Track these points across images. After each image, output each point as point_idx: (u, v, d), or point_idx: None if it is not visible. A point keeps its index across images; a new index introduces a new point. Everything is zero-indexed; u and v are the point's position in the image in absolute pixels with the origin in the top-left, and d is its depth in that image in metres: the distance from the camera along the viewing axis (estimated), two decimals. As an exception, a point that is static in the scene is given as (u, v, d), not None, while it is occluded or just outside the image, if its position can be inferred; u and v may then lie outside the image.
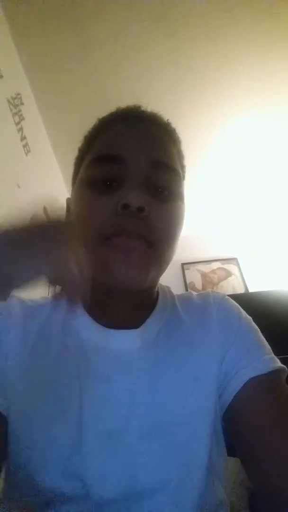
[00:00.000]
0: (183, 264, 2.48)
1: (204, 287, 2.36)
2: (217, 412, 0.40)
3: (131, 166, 0.38)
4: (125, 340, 0.41)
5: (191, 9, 1.33)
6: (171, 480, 0.35)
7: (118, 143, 0.40)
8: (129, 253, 0.36)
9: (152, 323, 0.44)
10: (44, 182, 1.63)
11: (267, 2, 1.32)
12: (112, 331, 0.42)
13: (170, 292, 0.52)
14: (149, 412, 0.37)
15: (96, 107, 1.84)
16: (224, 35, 1.43)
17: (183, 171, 0.45)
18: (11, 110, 1.34)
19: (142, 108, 0.44)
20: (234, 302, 0.50)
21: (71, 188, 0.47)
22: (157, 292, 0.49)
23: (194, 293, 0.52)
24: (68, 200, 0.47)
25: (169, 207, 0.40)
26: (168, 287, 0.53)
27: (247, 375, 0.38)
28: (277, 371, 0.39)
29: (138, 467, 0.35)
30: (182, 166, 0.45)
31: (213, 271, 2.43)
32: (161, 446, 0.36)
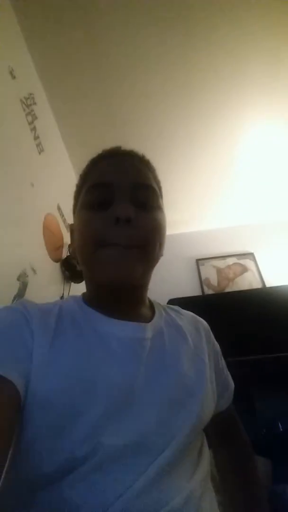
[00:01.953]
0: (197, 260, 2.45)
1: (219, 283, 2.33)
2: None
3: (117, 189, 0.50)
4: (140, 331, 0.50)
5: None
6: (177, 436, 0.43)
7: (107, 173, 0.52)
8: (122, 254, 0.46)
9: (157, 321, 0.55)
10: (57, 181, 1.64)
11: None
12: (126, 322, 0.50)
13: (161, 304, 0.64)
14: (164, 388, 0.46)
15: (108, 105, 1.85)
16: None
17: (160, 190, 0.58)
18: (24, 110, 1.35)
19: (122, 147, 0.57)
20: None
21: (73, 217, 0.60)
22: (150, 301, 0.61)
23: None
24: (71, 225, 0.60)
25: (151, 215, 0.51)
26: (157, 302, 0.64)
27: (226, 404, 0.61)
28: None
29: (147, 428, 0.41)
30: (159, 186, 0.58)
31: (228, 267, 2.39)
32: (172, 414, 0.44)
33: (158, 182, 0.58)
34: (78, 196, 0.56)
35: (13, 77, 1.28)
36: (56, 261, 1.50)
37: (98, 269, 0.47)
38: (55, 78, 1.59)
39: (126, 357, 0.46)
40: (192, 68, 1.57)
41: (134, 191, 0.50)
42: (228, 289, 2.28)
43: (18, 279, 1.07)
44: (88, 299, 0.55)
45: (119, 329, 0.49)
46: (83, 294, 0.57)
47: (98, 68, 1.56)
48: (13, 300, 1.01)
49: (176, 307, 0.66)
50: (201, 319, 0.66)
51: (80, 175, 0.58)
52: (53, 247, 1.46)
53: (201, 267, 2.42)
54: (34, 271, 1.21)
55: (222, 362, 0.63)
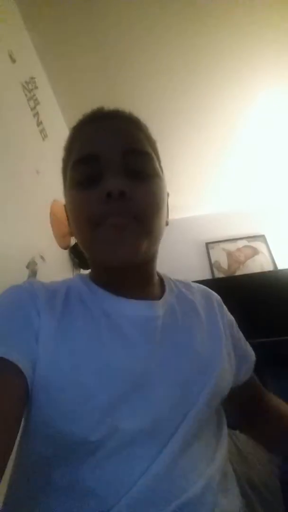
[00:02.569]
0: (207, 244, 2.42)
1: (230, 266, 2.30)
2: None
3: (106, 160, 0.44)
4: (150, 309, 0.48)
5: None
6: (192, 414, 0.42)
7: (91, 143, 0.46)
8: (120, 231, 0.42)
9: (168, 298, 0.52)
10: (63, 167, 1.62)
11: None
12: (135, 300, 0.47)
13: (171, 278, 0.60)
14: (179, 368, 0.44)
15: (112, 87, 1.80)
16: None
17: (156, 152, 0.51)
18: (26, 95, 1.32)
19: (105, 108, 0.49)
20: None
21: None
22: (159, 277, 0.57)
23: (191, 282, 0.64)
24: (64, 206, 0.54)
25: (148, 185, 0.45)
26: (167, 276, 0.61)
27: (246, 376, 0.58)
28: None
29: (161, 410, 0.40)
30: (154, 148, 0.51)
31: (239, 250, 2.35)
32: (187, 394, 0.43)
33: (152, 143, 0.51)
34: (66, 173, 0.50)
35: (13, 61, 1.25)
36: (64, 248, 1.50)
37: (98, 251, 0.44)
38: (57, 61, 1.54)
39: (138, 338, 0.44)
40: (198, 51, 1.49)
41: (125, 159, 0.44)
42: (239, 272, 2.25)
43: (27, 267, 1.08)
44: (95, 278, 0.52)
45: (129, 308, 0.46)
46: (90, 273, 0.54)
47: (100, 47, 1.50)
48: (23, 288, 1.02)
49: (187, 281, 0.62)
50: (213, 292, 0.62)
51: (64, 147, 0.51)
52: (61, 234, 1.45)
53: (211, 251, 2.39)
54: (43, 258, 1.21)
55: (239, 335, 0.60)
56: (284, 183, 2.39)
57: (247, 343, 0.61)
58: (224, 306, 0.61)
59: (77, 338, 0.41)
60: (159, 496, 0.36)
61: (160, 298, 0.51)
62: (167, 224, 0.51)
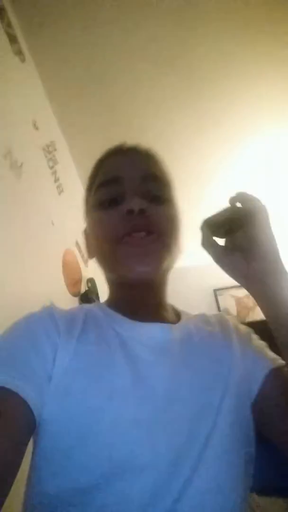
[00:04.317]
0: (215, 290, 2.42)
1: (239, 313, 2.28)
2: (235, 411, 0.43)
3: (128, 183, 0.48)
4: (166, 332, 0.47)
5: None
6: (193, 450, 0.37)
7: (115, 169, 0.51)
8: (143, 245, 0.45)
9: (185, 323, 0.52)
10: (76, 219, 1.73)
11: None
12: (151, 323, 0.48)
13: (186, 311, 0.60)
14: (189, 396, 0.41)
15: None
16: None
17: (170, 182, 0.55)
18: (45, 156, 1.47)
19: (126, 143, 0.56)
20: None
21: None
22: (175, 309, 0.58)
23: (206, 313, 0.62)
24: (84, 231, 0.58)
25: (164, 207, 0.49)
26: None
27: (267, 368, 0.47)
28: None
29: (171, 440, 0.37)
30: (168, 177, 0.55)
31: (247, 296, 2.34)
32: (188, 430, 0.38)
33: (168, 174, 0.55)
34: (88, 199, 0.55)
35: (36, 128, 1.41)
36: (74, 295, 1.53)
37: (119, 266, 0.46)
38: (74, 125, 1.74)
39: (151, 361, 0.43)
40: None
41: (144, 184, 0.49)
42: (248, 319, 2.22)
43: (39, 314, 1.10)
44: (111, 303, 0.53)
45: (143, 332, 0.46)
46: (106, 300, 0.56)
47: (114, 116, 1.69)
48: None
49: (203, 313, 0.61)
50: (227, 315, 0.61)
51: (88, 177, 0.56)
52: (72, 282, 1.49)
53: (219, 297, 2.39)
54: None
55: (253, 345, 0.52)
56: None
57: (265, 353, 0.52)
58: (239, 323, 0.58)
59: (88, 367, 0.41)
60: None
61: (176, 323, 0.51)
62: (181, 252, 0.54)
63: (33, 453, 0.38)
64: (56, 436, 0.36)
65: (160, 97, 1.63)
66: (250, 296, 0.47)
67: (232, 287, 2.42)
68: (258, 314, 2.22)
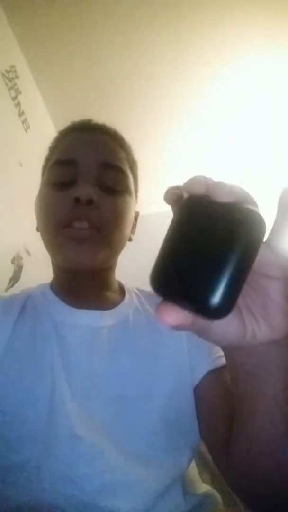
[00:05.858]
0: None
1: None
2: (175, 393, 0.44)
3: (82, 168, 0.46)
4: (97, 319, 0.47)
5: None
6: (126, 437, 0.39)
7: (72, 149, 0.49)
8: (81, 243, 0.44)
9: (123, 308, 0.51)
10: (47, 160, 1.60)
11: None
12: (82, 310, 0.47)
13: (137, 289, 0.59)
14: (110, 384, 0.42)
15: (95, 77, 1.75)
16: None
17: (134, 172, 0.54)
18: (6, 84, 1.28)
19: (94, 121, 0.52)
20: None
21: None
22: (122, 289, 0.56)
23: None
24: (35, 201, 0.55)
25: (117, 199, 0.47)
26: (134, 288, 0.59)
27: (207, 368, 0.45)
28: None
29: (109, 428, 0.39)
30: (132, 168, 0.53)
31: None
32: (118, 416, 0.40)
33: (131, 163, 0.54)
34: (44, 171, 0.53)
35: (-8, 48, 1.20)
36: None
37: (59, 252, 0.46)
38: (38, 49, 1.49)
39: (78, 347, 0.43)
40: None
41: (101, 172, 0.47)
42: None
43: (12, 262, 1.06)
44: (54, 285, 0.53)
45: (74, 318, 0.46)
46: (51, 280, 0.55)
47: (84, 38, 1.46)
48: (8, 283, 1.00)
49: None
50: None
51: (49, 147, 0.54)
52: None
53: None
54: (28, 253, 1.19)
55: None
56: None
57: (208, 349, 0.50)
58: None
59: (21, 351, 0.42)
60: None
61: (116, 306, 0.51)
62: (130, 239, 0.54)
63: None
64: None
65: (137, 27, 1.40)
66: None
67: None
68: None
